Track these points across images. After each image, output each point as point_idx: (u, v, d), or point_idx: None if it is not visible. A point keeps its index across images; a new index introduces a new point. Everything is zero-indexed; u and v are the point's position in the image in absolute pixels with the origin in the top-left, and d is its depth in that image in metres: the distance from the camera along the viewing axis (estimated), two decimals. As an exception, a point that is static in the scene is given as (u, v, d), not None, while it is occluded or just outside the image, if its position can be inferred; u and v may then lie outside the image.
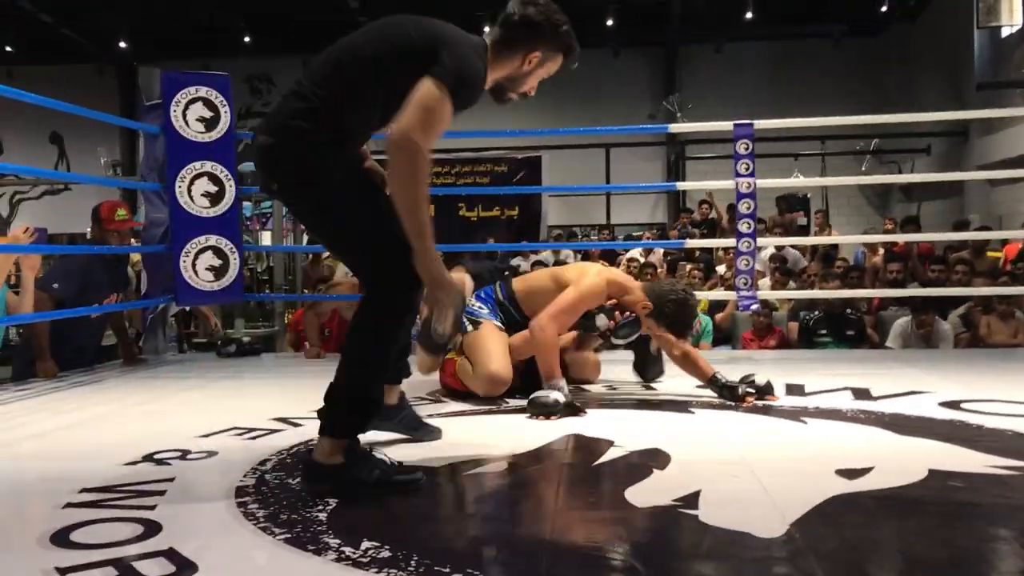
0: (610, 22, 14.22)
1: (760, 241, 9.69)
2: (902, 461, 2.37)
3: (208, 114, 4.92)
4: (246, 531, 1.88)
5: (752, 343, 7.33)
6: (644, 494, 2.11)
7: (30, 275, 4.06)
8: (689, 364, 3.58)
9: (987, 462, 2.35)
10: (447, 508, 2.22)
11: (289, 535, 1.84)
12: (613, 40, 15.10)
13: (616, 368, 4.04)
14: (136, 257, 6.01)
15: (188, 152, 4.88)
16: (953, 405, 3.22)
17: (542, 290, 3.62)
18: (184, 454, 2.60)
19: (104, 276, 4.52)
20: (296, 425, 2.99)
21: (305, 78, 2.25)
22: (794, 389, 3.61)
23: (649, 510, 2.01)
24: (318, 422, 2.17)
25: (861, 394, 3.50)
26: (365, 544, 1.75)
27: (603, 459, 2.50)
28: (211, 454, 2.61)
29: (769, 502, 2.02)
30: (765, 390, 3.36)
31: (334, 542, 1.78)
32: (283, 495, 2.14)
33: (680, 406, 3.33)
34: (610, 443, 2.66)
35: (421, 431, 2.73)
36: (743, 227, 4.81)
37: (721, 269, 9.01)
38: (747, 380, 3.38)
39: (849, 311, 7.14)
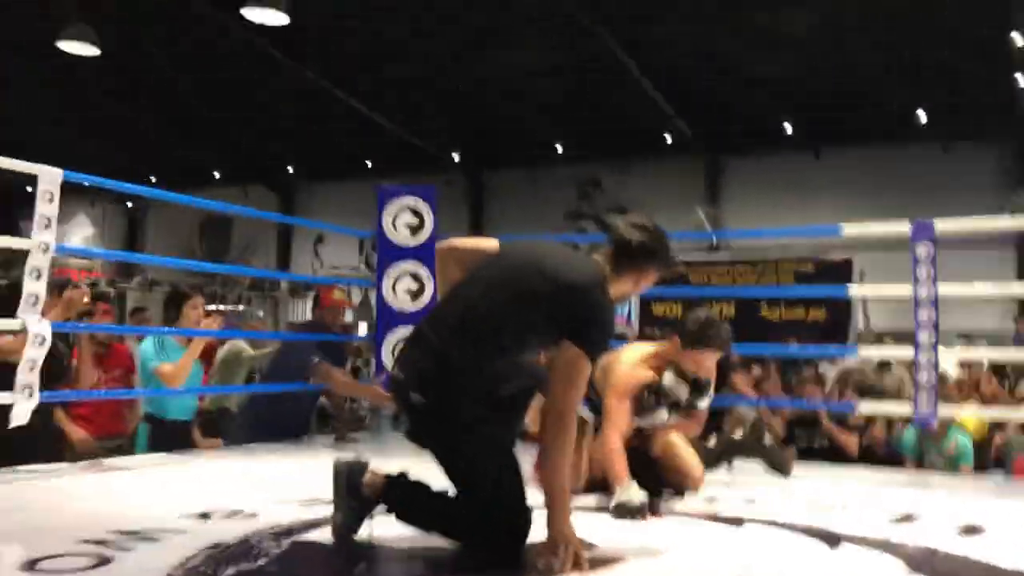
0: (924, 119, 13.36)
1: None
2: None
3: (414, 221, 5.55)
4: None
5: (1028, 468, 6.38)
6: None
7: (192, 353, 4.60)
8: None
9: None
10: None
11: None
12: (942, 135, 14.10)
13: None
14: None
15: (396, 254, 5.53)
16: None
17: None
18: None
19: (305, 356, 5.02)
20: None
21: None
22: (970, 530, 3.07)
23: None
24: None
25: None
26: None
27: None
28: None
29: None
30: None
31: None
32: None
33: (739, 521, 3.15)
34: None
35: None
36: (923, 337, 4.37)
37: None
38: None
39: None
